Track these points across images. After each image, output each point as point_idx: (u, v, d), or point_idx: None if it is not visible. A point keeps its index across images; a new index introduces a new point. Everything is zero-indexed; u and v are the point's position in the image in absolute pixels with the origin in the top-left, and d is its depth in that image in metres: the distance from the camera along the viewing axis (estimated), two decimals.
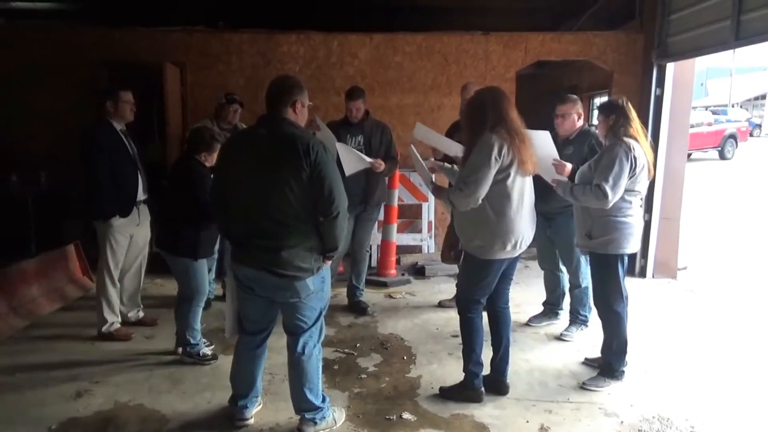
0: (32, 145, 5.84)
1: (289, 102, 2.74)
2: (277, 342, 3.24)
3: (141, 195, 4.06)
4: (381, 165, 4.34)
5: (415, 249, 6.29)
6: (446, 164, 3.53)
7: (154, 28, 6.04)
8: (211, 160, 3.66)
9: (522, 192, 3.11)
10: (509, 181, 3.04)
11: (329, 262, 2.90)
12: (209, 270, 4.65)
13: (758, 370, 3.76)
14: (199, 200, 3.50)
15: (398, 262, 5.93)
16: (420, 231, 6.19)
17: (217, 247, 4.71)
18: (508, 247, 3.09)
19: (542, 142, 3.46)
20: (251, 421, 3.05)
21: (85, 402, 3.25)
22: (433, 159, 3.81)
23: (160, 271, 4.49)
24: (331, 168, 2.69)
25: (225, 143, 3.04)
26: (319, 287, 2.84)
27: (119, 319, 4.17)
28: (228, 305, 3.15)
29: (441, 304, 4.79)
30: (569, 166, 3.65)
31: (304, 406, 2.92)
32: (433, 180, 3.45)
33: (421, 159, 3.67)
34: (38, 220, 5.59)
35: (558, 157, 3.66)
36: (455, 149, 3.67)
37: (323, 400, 2.97)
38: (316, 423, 2.93)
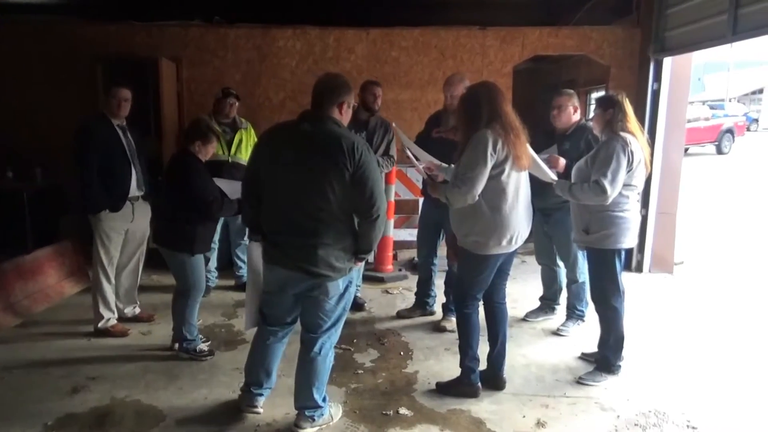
0: (27, 140, 5.82)
1: (337, 101, 2.72)
2: None
3: (134, 191, 4.01)
4: None
5: (412, 244, 6.26)
6: (443, 164, 3.51)
7: (150, 23, 6.01)
8: (205, 152, 3.64)
9: (517, 187, 3.10)
10: (504, 177, 3.03)
11: (360, 264, 2.87)
12: (208, 259, 4.66)
13: (754, 364, 3.78)
14: (195, 196, 3.50)
15: (395, 257, 5.93)
16: (417, 227, 6.17)
17: (218, 237, 4.73)
18: (504, 243, 3.09)
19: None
20: (261, 410, 3.04)
21: (82, 398, 3.25)
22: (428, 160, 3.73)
23: (158, 267, 4.49)
24: (374, 169, 2.67)
25: (262, 137, 2.95)
26: (346, 288, 2.82)
27: (115, 315, 4.16)
28: (248, 299, 3.11)
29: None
30: (563, 160, 3.67)
31: (307, 404, 2.92)
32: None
33: (415, 160, 3.66)
34: (34, 216, 5.57)
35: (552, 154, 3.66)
36: (424, 157, 3.63)
37: (324, 399, 2.97)
38: (314, 420, 2.93)
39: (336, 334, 2.92)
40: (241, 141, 4.87)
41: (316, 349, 2.84)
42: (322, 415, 2.96)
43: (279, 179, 2.70)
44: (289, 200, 2.68)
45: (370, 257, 5.71)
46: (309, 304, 2.83)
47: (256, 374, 3.03)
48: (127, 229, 4.08)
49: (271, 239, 2.79)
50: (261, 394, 3.05)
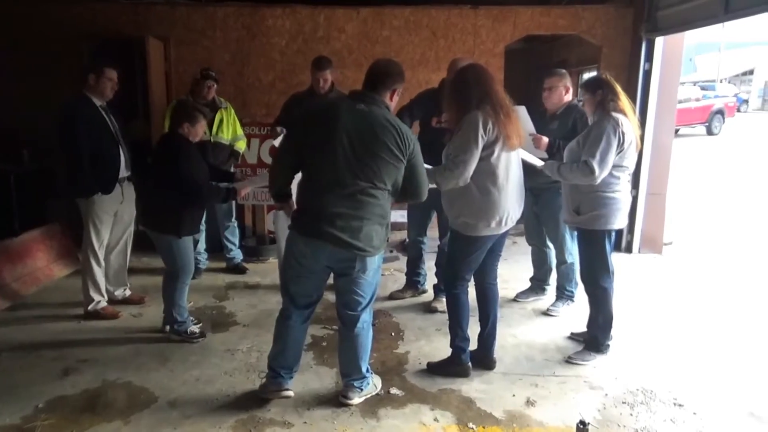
0: (14, 122, 5.72)
1: (391, 87, 2.82)
2: None
3: (123, 172, 3.98)
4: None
5: (404, 226, 6.27)
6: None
7: (137, 1, 5.89)
8: (193, 133, 3.59)
9: (508, 168, 3.09)
10: (493, 158, 3.02)
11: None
12: (197, 242, 4.63)
13: (740, 343, 3.83)
14: (184, 177, 3.46)
15: (387, 239, 5.91)
16: (406, 207, 6.16)
17: (205, 218, 4.69)
18: (493, 224, 3.09)
19: (519, 117, 3.42)
20: (292, 393, 3.04)
21: (73, 380, 3.25)
22: None
23: (147, 249, 4.45)
24: (421, 159, 2.84)
25: (313, 108, 3.05)
26: (380, 263, 2.95)
27: (105, 298, 4.14)
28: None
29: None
30: (545, 139, 3.67)
31: (355, 375, 3.01)
32: None
33: None
34: (21, 199, 5.50)
35: (534, 132, 3.66)
36: None
37: (367, 370, 3.07)
38: (361, 389, 3.03)
39: (372, 307, 3.00)
40: (222, 121, 4.85)
41: (359, 325, 2.92)
42: (368, 384, 3.07)
43: (333, 153, 2.67)
44: (342, 175, 2.68)
45: None
46: (345, 282, 2.87)
47: (285, 359, 3.00)
48: (116, 210, 4.05)
49: (314, 211, 2.76)
50: (292, 376, 3.06)
